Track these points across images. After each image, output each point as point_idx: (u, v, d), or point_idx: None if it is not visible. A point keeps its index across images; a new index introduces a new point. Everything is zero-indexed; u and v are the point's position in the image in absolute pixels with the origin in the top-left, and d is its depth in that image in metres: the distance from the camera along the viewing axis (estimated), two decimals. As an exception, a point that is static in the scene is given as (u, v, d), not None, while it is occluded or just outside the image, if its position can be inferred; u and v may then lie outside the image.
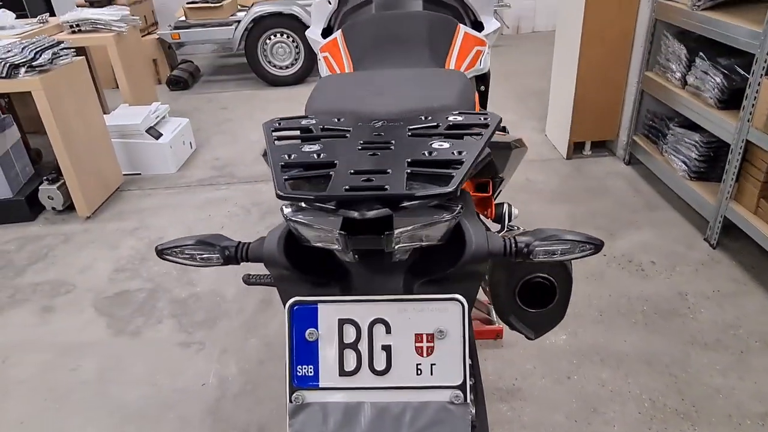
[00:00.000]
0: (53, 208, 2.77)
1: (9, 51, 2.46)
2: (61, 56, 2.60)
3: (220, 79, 4.95)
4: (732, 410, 1.51)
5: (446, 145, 0.61)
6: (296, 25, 4.31)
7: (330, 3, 1.61)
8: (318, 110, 0.78)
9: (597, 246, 0.62)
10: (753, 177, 1.96)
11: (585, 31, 2.63)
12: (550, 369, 1.68)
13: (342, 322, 0.57)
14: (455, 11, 1.51)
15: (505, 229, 1.01)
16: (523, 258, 0.60)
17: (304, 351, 0.57)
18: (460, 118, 0.68)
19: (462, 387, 0.56)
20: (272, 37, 4.42)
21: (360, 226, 0.52)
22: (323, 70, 1.45)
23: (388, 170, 0.55)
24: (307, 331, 0.57)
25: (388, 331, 0.57)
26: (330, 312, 0.58)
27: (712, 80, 2.14)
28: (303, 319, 0.58)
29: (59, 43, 2.64)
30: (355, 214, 0.52)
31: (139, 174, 3.16)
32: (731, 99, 2.08)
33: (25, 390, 1.73)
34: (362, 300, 0.58)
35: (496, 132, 1.03)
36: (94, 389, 1.71)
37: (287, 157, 0.59)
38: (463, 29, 1.45)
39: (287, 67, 4.56)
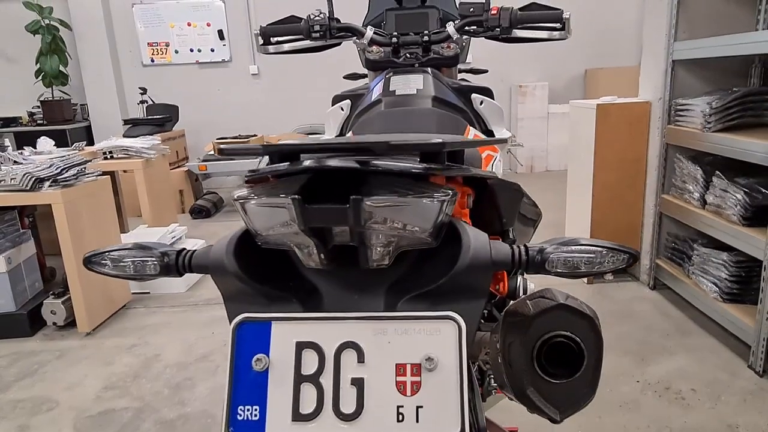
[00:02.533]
0: (54, 323, 2.68)
1: (38, 167, 2.56)
2: (87, 174, 2.69)
3: (242, 209, 5.08)
4: None
5: (439, 139, 0.54)
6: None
7: (342, 110, 1.65)
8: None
9: (631, 255, 0.50)
10: (793, 295, 1.82)
11: (597, 159, 2.66)
12: None
13: (301, 347, 0.45)
14: (465, 115, 1.53)
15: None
16: (537, 270, 0.49)
17: (248, 385, 0.44)
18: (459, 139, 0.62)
19: None
20: (294, 169, 4.59)
21: (322, 197, 0.44)
22: None
23: (369, 147, 0.47)
24: (255, 358, 0.45)
25: (361, 359, 0.44)
26: (286, 333, 0.46)
27: (733, 197, 2.08)
28: (250, 341, 0.46)
29: (87, 161, 2.75)
30: (313, 163, 0.43)
31: (148, 293, 3.09)
32: (755, 216, 2.01)
33: None
34: (328, 318, 0.46)
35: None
36: None
37: (253, 171, 0.52)
38: (473, 131, 1.45)
39: (306, 198, 4.67)
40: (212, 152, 4.88)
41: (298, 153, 0.48)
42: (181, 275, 0.56)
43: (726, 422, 1.72)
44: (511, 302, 0.71)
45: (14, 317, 2.64)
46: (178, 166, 5.19)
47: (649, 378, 1.97)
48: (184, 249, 0.55)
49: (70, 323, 2.67)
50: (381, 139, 0.46)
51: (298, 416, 0.43)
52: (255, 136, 4.93)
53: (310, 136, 5.09)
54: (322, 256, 0.47)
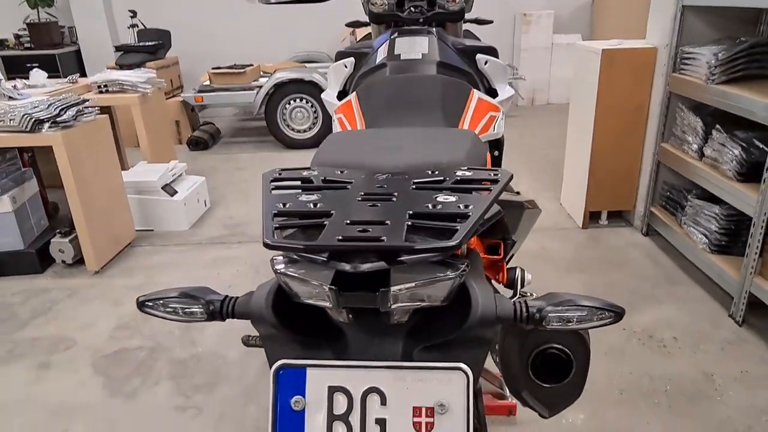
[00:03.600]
0: (63, 261, 2.76)
1: (36, 107, 2.53)
2: (85, 113, 2.67)
3: (240, 141, 5.06)
4: (769, 508, 1.37)
5: (452, 198, 0.57)
6: (315, 92, 4.43)
7: (346, 67, 1.64)
8: (323, 162, 0.75)
9: (617, 314, 0.56)
10: (778, 252, 1.89)
11: (599, 105, 2.65)
12: (567, 452, 1.56)
13: (332, 390, 0.52)
14: (469, 77, 1.52)
15: (518, 294, 0.95)
16: (535, 324, 0.55)
17: (289, 421, 0.51)
18: (468, 173, 0.65)
19: None
20: (291, 102, 4.53)
21: (354, 282, 0.48)
22: (337, 130, 1.45)
23: (387, 221, 0.51)
24: (293, 399, 0.52)
25: (384, 402, 0.51)
26: (320, 378, 0.52)
27: (730, 152, 2.11)
28: (289, 384, 0.52)
29: (84, 101, 2.72)
30: (347, 267, 0.47)
31: (152, 230, 3.16)
32: (750, 172, 2.04)
33: (10, 452, 1.64)
34: (356, 366, 0.52)
35: (508, 193, 0.99)
36: (81, 454, 1.63)
37: (281, 206, 0.55)
38: (477, 94, 1.45)
39: (305, 131, 4.64)
40: (208, 83, 4.78)
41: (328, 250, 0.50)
42: (224, 320, 0.60)
43: (702, 370, 1.85)
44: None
45: (23, 255, 2.71)
46: (173, 96, 5.11)
47: (635, 326, 2.09)
48: (227, 297, 0.59)
49: (79, 261, 2.75)
50: (400, 243, 0.48)
51: (332, 449, 0.51)
52: (251, 66, 4.82)
53: (306, 65, 4.98)
54: (351, 316, 0.52)
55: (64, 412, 1.80)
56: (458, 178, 0.63)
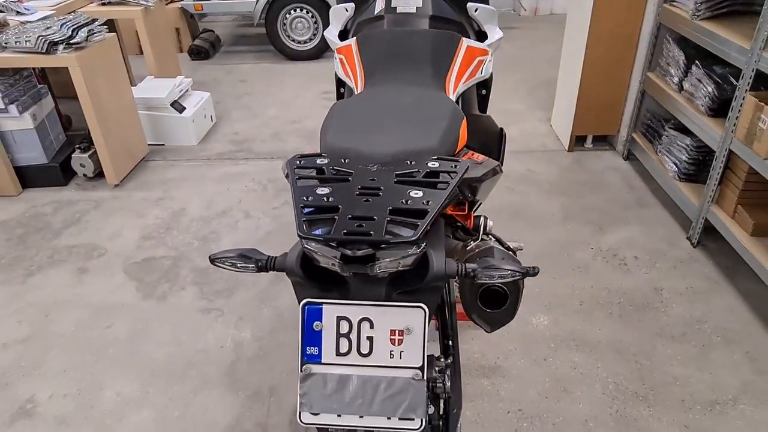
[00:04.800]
0: (84, 175, 2.98)
1: (49, 28, 2.63)
2: (96, 33, 2.76)
3: (240, 50, 5.08)
4: (686, 396, 1.71)
5: (420, 193, 0.78)
6: (316, 2, 4.41)
7: (347, 10, 1.76)
8: (332, 146, 0.95)
9: (527, 274, 0.79)
10: (733, 184, 2.11)
11: (592, 30, 2.74)
12: (529, 351, 1.88)
13: (339, 318, 0.76)
14: (460, 26, 1.66)
15: (479, 238, 1.19)
16: (471, 280, 0.78)
17: (311, 337, 0.77)
18: (436, 164, 0.85)
19: (421, 368, 0.76)
20: (292, 11, 4.52)
21: (353, 258, 0.71)
22: (338, 69, 1.62)
23: (375, 217, 0.72)
24: (314, 323, 0.77)
25: (372, 326, 0.76)
26: (331, 310, 0.77)
27: (705, 88, 2.26)
28: (312, 314, 0.77)
29: (94, 20, 2.80)
30: (349, 252, 0.70)
31: (163, 145, 3.35)
32: (720, 108, 2.21)
33: (66, 343, 1.96)
34: (354, 303, 0.77)
35: (479, 157, 1.19)
36: (125, 346, 1.95)
37: (305, 199, 0.76)
38: (465, 43, 1.60)
39: (305, 42, 4.67)
40: (207, -12, 4.72)
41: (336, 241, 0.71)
42: (268, 272, 0.82)
43: (654, 286, 2.14)
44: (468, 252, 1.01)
45: (48, 169, 2.93)
46: (172, 2, 5.05)
47: (602, 245, 2.36)
48: (269, 257, 0.80)
49: (98, 174, 2.97)
50: (381, 237, 0.69)
51: (338, 353, 0.76)
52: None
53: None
54: (351, 273, 0.75)
55: (105, 311, 2.11)
56: (428, 170, 0.84)
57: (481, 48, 1.72)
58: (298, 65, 4.66)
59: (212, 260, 0.81)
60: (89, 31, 2.72)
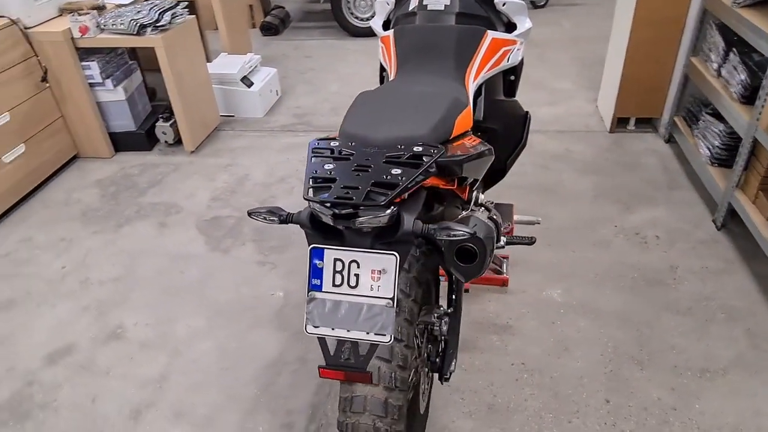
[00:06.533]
0: (165, 142, 3.40)
1: (139, 12, 3.02)
2: (178, 16, 3.13)
3: (308, 26, 5.38)
4: (679, 363, 1.87)
5: (399, 171, 1.02)
6: (379, -20, 4.60)
7: (388, 4, 1.99)
8: (345, 132, 1.21)
9: (470, 234, 1.01)
10: (756, 171, 2.19)
11: (638, 11, 2.80)
12: (540, 314, 2.09)
13: (336, 260, 1.04)
14: (486, 20, 1.84)
15: (470, 209, 1.42)
16: (430, 237, 1.02)
17: (315, 272, 1.05)
18: (419, 149, 1.09)
19: (392, 299, 1.02)
20: (356, -11, 4.74)
21: (339, 215, 0.98)
22: (380, 55, 1.87)
23: (359, 187, 0.97)
24: (317, 262, 1.04)
25: (358, 266, 1.03)
26: (330, 253, 1.04)
27: (739, 76, 2.32)
28: (316, 255, 1.05)
29: (178, 3, 3.16)
30: (336, 211, 0.97)
31: (233, 116, 3.72)
32: (752, 96, 2.27)
33: (148, 283, 2.37)
34: (347, 249, 1.04)
35: (473, 141, 1.41)
36: (195, 289, 2.33)
37: (315, 172, 1.03)
38: (490, 36, 1.80)
39: (367, 20, 4.89)
40: (279, -33, 5.02)
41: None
42: (288, 224, 1.09)
43: (669, 263, 2.27)
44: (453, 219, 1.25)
45: (135, 135, 3.37)
46: (247, -21, 5.39)
47: (626, 224, 2.50)
48: (289, 213, 1.07)
49: (177, 142, 3.38)
50: (360, 201, 0.95)
51: (334, 285, 1.04)
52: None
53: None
54: (343, 227, 1.01)
55: (179, 259, 2.50)
56: (412, 153, 1.08)
57: (507, 39, 1.90)
58: (360, 42, 4.90)
59: (249, 213, 1.09)
60: (173, 14, 3.08)
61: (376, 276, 1.02)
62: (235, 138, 3.48)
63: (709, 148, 2.56)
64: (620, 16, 3.05)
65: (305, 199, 1.00)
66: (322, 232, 1.05)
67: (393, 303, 1.01)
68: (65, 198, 2.99)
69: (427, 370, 1.53)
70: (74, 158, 3.33)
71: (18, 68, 2.89)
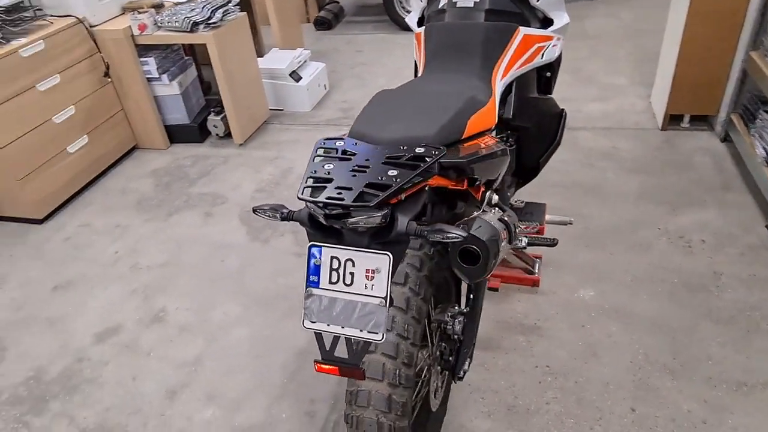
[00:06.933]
0: (216, 135, 3.54)
1: (193, 10, 3.15)
2: (230, 13, 3.24)
3: (360, 21, 5.42)
4: (714, 374, 1.80)
5: (395, 172, 1.04)
6: (430, -27, 4.57)
7: (421, 1, 2.00)
8: (354, 131, 1.23)
9: (460, 237, 1.00)
10: (814, 174, 2.05)
11: (693, 5, 2.66)
12: (570, 317, 2.05)
13: (332, 258, 1.07)
14: (519, 16, 1.81)
15: (481, 209, 1.41)
16: (423, 238, 1.03)
17: (313, 269, 1.08)
18: (421, 150, 1.10)
19: (384, 298, 1.03)
20: (408, -17, 4.74)
21: (330, 215, 1.01)
22: (414, 52, 1.89)
23: (352, 187, 1.00)
24: (314, 260, 1.08)
25: (353, 265, 1.05)
26: (327, 251, 1.07)
27: (800, 73, 2.17)
28: (314, 253, 1.08)
29: (230, 1, 3.28)
30: (328, 211, 1.01)
31: (282, 110, 3.82)
32: (814, 94, 2.12)
33: (191, 270, 2.49)
34: (343, 248, 1.06)
35: (489, 141, 1.40)
36: (234, 277, 2.43)
37: (314, 171, 1.06)
38: (522, 32, 1.77)
39: (419, 13, 4.87)
40: (333, -38, 5.08)
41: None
42: (289, 221, 1.13)
43: (714, 269, 2.17)
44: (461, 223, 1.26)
45: (189, 128, 3.52)
46: (302, -26, 5.49)
47: (671, 226, 2.40)
48: (290, 210, 1.11)
49: (227, 135, 3.52)
50: (350, 203, 0.98)
51: (330, 282, 1.07)
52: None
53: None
54: (340, 226, 1.04)
55: (221, 248, 2.61)
56: (413, 155, 1.08)
57: (541, 35, 1.87)
58: (410, 36, 4.89)
59: (254, 210, 1.14)
60: (225, 11, 3.19)
61: (370, 275, 1.05)
62: (283, 131, 3.58)
63: (765, 148, 2.41)
64: (675, 7, 2.90)
65: (299, 198, 1.03)
66: (321, 230, 1.08)
67: (386, 302, 1.03)
68: (123, 187, 3.18)
69: (440, 368, 1.54)
70: (133, 149, 3.53)
71: (83, 64, 3.09)
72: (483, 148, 1.28)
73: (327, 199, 0.99)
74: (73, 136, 3.07)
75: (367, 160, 1.09)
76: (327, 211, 1.02)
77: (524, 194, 2.58)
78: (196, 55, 3.87)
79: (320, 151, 1.15)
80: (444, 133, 1.20)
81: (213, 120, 3.49)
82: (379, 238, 1.05)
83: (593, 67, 3.91)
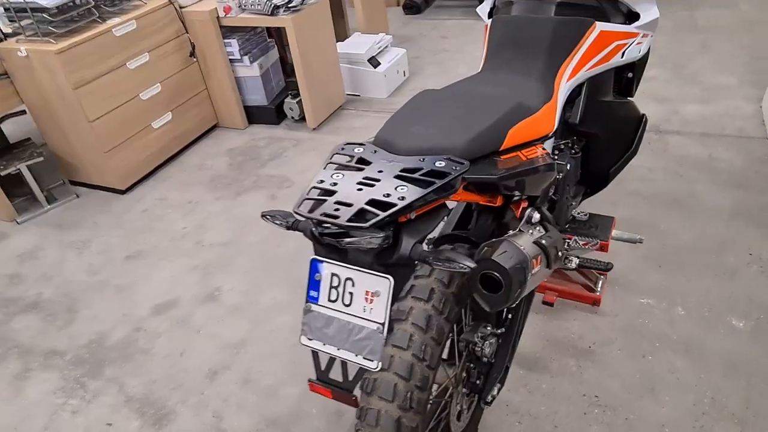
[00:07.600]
0: (292, 118, 3.59)
1: (274, -7, 3.17)
2: (310, -4, 3.24)
3: (450, 5, 5.25)
4: (793, 432, 1.56)
5: (405, 189, 0.94)
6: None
7: (492, -9, 1.86)
8: (377, 137, 1.15)
9: (468, 267, 0.90)
10: None
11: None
12: (630, 344, 1.87)
13: (333, 274, 1.01)
14: (595, 10, 1.63)
15: (518, 229, 1.27)
16: (428, 264, 0.93)
17: (314, 284, 1.03)
18: (442, 164, 1.00)
19: (382, 324, 0.96)
20: (502, -34, 4.50)
21: (324, 233, 0.94)
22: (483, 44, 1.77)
23: (352, 203, 0.92)
24: (316, 274, 1.02)
25: (353, 285, 0.99)
26: (327, 267, 1.01)
27: None
28: (315, 267, 1.02)
29: (310, -15, 3.27)
30: (322, 229, 0.94)
31: (358, 95, 3.80)
32: None
33: (250, 252, 2.55)
34: (344, 266, 1.00)
35: (536, 153, 1.27)
36: (287, 263, 2.45)
37: (320, 181, 0.99)
38: (599, 28, 1.60)
39: None
40: (426, -57, 4.94)
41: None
42: (294, 231, 1.07)
43: (811, 308, 1.88)
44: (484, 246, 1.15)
45: (266, 109, 3.59)
46: (396, -45, 5.39)
47: (765, 254, 2.11)
48: (296, 219, 1.05)
49: (302, 118, 3.54)
50: (345, 223, 0.91)
51: (329, 300, 1.01)
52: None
53: None
54: (338, 244, 0.97)
55: (280, 233, 2.62)
56: (432, 168, 0.99)
57: (623, 31, 1.69)
58: (502, 21, 4.67)
59: (262, 215, 1.10)
60: (305, -5, 3.19)
61: (369, 297, 0.98)
62: (357, 117, 3.56)
63: None
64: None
65: (293, 212, 0.98)
66: (325, 243, 1.02)
67: (383, 328, 0.96)
68: (200, 163, 3.31)
69: (466, 390, 1.45)
70: (214, 127, 3.66)
71: (171, 44, 3.23)
72: (523, 162, 1.16)
73: (321, 215, 0.92)
74: (158, 113, 3.22)
75: (380, 171, 1.01)
76: (321, 229, 0.96)
77: (593, 200, 2.37)
78: (282, 37, 3.92)
79: (336, 158, 1.08)
80: (476, 145, 1.10)
81: (289, 103, 3.53)
82: (384, 259, 0.97)
83: (699, 63, 3.52)
